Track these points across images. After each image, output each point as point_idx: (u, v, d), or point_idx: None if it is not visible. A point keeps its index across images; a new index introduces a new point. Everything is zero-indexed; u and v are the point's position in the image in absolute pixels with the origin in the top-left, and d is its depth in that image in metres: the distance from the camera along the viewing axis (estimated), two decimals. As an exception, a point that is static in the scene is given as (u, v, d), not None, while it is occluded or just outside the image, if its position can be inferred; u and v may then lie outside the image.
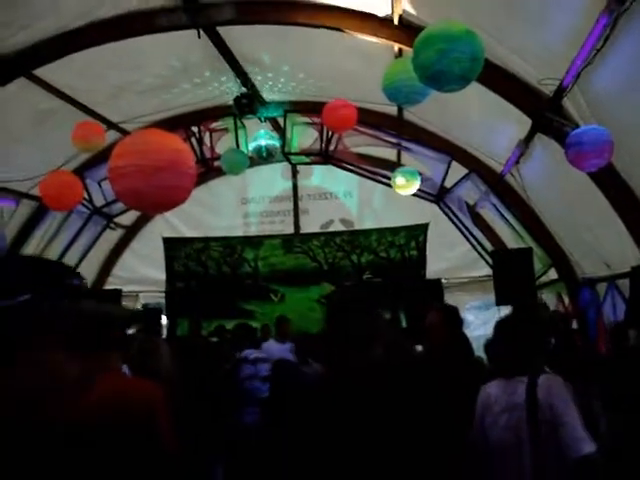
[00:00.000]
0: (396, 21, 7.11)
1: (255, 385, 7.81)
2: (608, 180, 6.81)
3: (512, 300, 9.18)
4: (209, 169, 11.18)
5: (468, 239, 10.89)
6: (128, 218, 13.35)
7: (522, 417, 3.29)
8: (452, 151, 9.99)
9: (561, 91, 6.55)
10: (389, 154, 11.47)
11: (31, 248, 10.77)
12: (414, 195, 10.63)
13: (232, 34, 8.38)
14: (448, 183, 10.36)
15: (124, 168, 4.03)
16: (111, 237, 13.40)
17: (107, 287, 13.62)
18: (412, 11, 6.97)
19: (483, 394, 3.56)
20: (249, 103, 9.81)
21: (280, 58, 9.41)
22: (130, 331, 5.91)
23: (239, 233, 14.17)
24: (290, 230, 14.32)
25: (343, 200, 14.16)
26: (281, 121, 10.53)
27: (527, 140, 8.16)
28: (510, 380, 3.44)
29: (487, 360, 4.34)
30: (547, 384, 3.31)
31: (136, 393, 3.08)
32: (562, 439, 3.14)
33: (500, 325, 3.74)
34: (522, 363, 3.47)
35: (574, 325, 9.21)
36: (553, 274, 9.90)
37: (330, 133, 9.92)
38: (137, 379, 3.20)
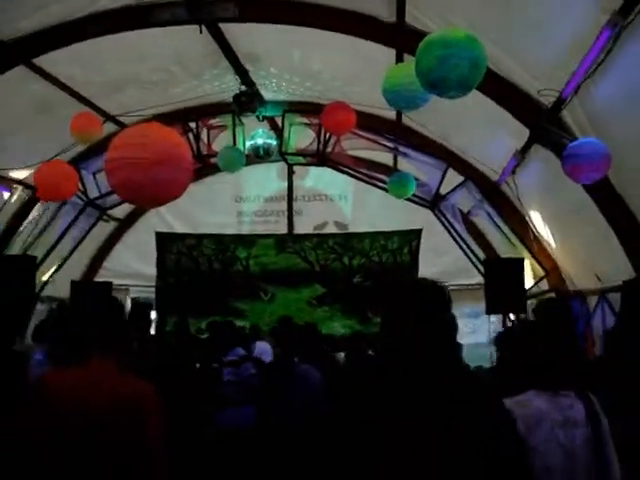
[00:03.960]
0: (400, 27, 7.13)
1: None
2: (604, 194, 6.82)
3: (502, 309, 9.20)
4: (205, 165, 11.14)
5: (461, 246, 10.88)
6: (121, 211, 13.31)
7: (584, 435, 3.06)
8: (448, 158, 10.00)
9: (560, 102, 6.56)
10: (386, 158, 11.47)
11: (23, 237, 10.72)
12: (409, 200, 10.63)
13: (234, 31, 8.38)
14: (443, 190, 10.36)
15: (121, 160, 4.02)
16: (104, 230, 13.37)
17: (98, 279, 13.57)
18: (416, 17, 6.97)
19: (529, 409, 3.11)
20: (248, 101, 9.79)
21: (281, 58, 9.41)
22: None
23: (232, 231, 14.15)
24: (283, 230, 14.30)
25: (338, 202, 14.17)
26: (279, 121, 10.50)
27: (524, 150, 8.17)
28: (558, 394, 3.16)
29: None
30: (596, 400, 3.16)
31: (129, 391, 3.15)
32: (609, 459, 3.06)
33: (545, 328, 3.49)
34: (568, 375, 3.24)
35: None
36: (544, 285, 9.90)
37: (328, 135, 9.90)
38: (133, 378, 3.24)
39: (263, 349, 8.72)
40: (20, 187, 10.28)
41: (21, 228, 10.73)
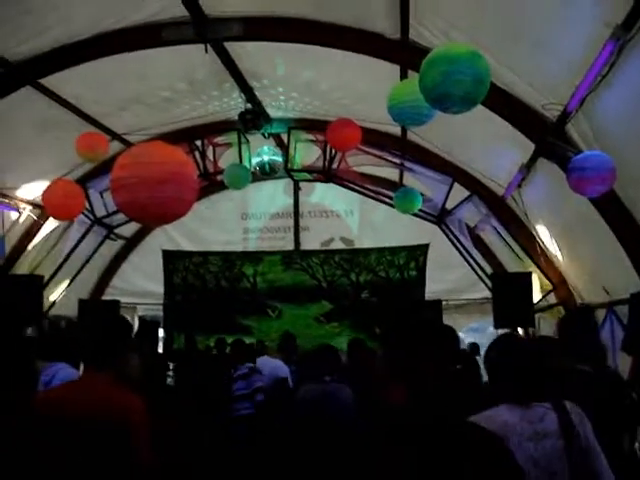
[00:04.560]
0: (404, 43, 7.16)
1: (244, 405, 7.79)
2: (609, 207, 6.80)
3: (510, 323, 9.16)
4: (211, 183, 11.18)
5: (468, 261, 10.86)
6: (128, 230, 13.35)
7: (556, 446, 2.97)
8: (454, 173, 10.00)
9: (565, 116, 6.56)
10: (391, 174, 11.49)
11: (31, 256, 10.76)
12: (415, 215, 10.63)
13: (239, 50, 8.42)
14: (449, 205, 10.35)
15: (126, 179, 4.03)
16: (111, 248, 13.40)
17: (105, 298, 13.60)
18: (420, 34, 7.00)
19: (494, 423, 3.01)
20: (254, 119, 9.83)
21: (286, 75, 9.44)
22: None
23: (239, 248, 14.17)
24: (290, 247, 14.32)
25: (344, 218, 14.19)
26: (285, 137, 10.54)
27: (529, 164, 8.17)
28: (528, 407, 3.07)
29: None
30: (577, 411, 3.07)
31: (114, 403, 3.21)
32: (596, 469, 2.97)
33: (515, 344, 3.41)
34: (541, 387, 3.16)
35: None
36: (552, 299, 9.87)
37: (333, 151, 9.93)
38: (121, 392, 3.27)
39: (276, 365, 8.68)
40: (28, 207, 10.34)
41: (29, 247, 10.78)
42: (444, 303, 11.67)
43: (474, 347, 11.15)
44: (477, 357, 10.80)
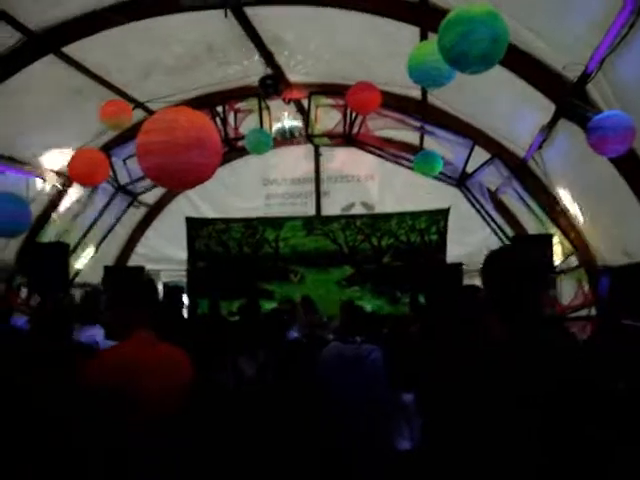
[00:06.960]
0: (424, 5, 7.15)
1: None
2: (631, 168, 6.80)
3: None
4: (232, 149, 11.24)
5: (489, 224, 10.87)
6: (152, 197, 13.49)
7: None
8: (475, 136, 9.98)
9: (585, 77, 6.55)
10: (412, 138, 11.47)
11: (56, 224, 10.92)
12: (436, 179, 10.65)
13: (258, 14, 8.43)
14: (470, 168, 10.35)
15: (152, 144, 4.11)
16: (135, 215, 13.55)
17: (130, 264, 13.80)
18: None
19: None
20: (274, 84, 9.85)
21: (306, 39, 9.44)
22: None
23: (260, 214, 14.21)
24: (311, 212, 14.36)
25: (364, 183, 14.18)
26: (305, 103, 10.55)
27: (550, 125, 8.14)
28: None
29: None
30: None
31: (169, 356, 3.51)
32: None
33: None
34: None
35: (592, 312, 9.19)
36: (573, 261, 9.88)
37: (354, 115, 9.94)
38: (169, 347, 3.56)
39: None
40: (52, 175, 10.47)
41: (54, 216, 10.94)
42: (465, 267, 11.69)
43: None
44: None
